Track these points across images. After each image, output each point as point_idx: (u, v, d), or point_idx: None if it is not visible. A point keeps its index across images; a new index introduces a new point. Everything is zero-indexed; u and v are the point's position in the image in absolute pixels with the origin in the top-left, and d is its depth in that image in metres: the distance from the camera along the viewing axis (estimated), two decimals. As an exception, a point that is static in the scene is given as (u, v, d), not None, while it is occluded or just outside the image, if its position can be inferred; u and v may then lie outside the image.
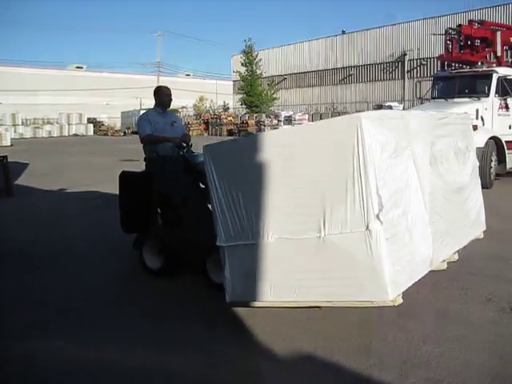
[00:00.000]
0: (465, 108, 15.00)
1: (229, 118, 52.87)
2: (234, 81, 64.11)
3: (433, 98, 17.26)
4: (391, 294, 4.29)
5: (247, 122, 48.06)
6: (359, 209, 4.33)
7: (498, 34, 16.63)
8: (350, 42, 51.56)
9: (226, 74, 73.16)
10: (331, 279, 4.51)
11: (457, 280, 6.39)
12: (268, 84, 55.30)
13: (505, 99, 15.52)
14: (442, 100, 16.33)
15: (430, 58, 42.26)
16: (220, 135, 48.64)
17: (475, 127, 14.33)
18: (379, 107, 36.93)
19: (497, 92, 15.39)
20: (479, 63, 16.46)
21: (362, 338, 4.95)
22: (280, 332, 5.09)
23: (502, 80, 15.46)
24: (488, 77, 15.54)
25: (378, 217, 4.27)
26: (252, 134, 36.61)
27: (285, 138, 4.92)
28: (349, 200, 4.37)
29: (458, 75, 16.67)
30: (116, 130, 62.74)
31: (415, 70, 45.22)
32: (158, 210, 7.02)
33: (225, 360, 4.60)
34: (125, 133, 59.99)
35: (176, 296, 6.16)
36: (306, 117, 44.97)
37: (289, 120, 44.40)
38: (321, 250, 4.51)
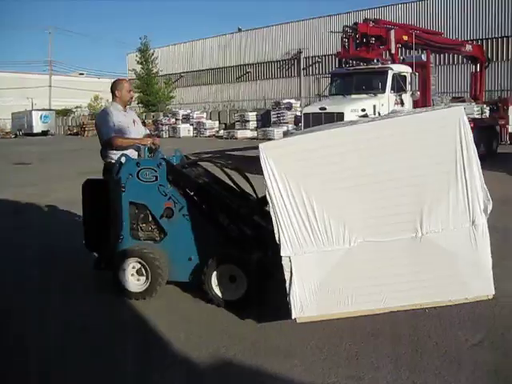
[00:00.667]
0: (363, 104, 15.49)
1: (126, 117, 51.70)
2: (129, 79, 62.93)
3: (331, 94, 17.68)
4: (493, 287, 4.27)
5: (144, 122, 47.30)
6: (463, 204, 4.20)
7: (392, 32, 17.24)
8: (246, 40, 51.85)
9: (122, 72, 71.73)
10: (426, 280, 4.31)
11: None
12: (165, 82, 54.71)
13: (400, 95, 16.16)
14: (340, 96, 16.74)
15: (326, 56, 43.22)
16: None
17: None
18: (277, 104, 37.45)
19: (392, 88, 16.01)
20: (375, 60, 17.04)
21: (282, 339, 4.90)
22: (201, 337, 5.03)
23: (397, 76, 16.08)
24: (384, 74, 16.13)
25: (484, 211, 4.20)
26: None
27: (368, 133, 4.43)
28: (451, 196, 4.21)
29: (354, 72, 17.17)
30: (6, 132, 60.04)
31: (311, 68, 46.10)
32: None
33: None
34: (16, 135, 57.52)
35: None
36: (204, 115, 44.88)
37: (187, 118, 44.18)
38: (416, 250, 4.29)
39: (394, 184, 4.26)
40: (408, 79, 16.40)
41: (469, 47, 22.10)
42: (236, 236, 5.71)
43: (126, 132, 6.54)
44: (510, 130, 25.34)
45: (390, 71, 16.10)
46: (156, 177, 5.83)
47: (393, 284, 4.34)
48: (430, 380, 4.14)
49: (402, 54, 19.76)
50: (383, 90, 16.01)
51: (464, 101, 21.22)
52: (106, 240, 6.07)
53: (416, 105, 16.81)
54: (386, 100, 15.85)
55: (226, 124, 42.85)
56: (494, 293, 4.29)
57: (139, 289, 5.86)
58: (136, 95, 55.45)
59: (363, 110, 15.40)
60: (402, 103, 16.17)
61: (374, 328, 4.95)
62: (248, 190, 6.37)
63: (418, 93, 16.53)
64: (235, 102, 50.67)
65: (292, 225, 4.40)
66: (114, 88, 6.75)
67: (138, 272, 5.88)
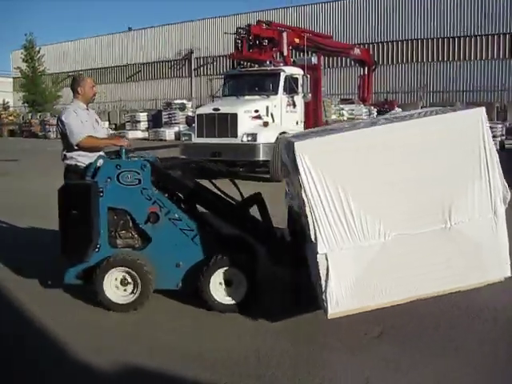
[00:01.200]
0: (256, 105, 15.51)
1: (10, 118, 49.48)
2: (14, 78, 60.37)
3: (224, 95, 17.59)
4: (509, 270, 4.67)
5: (31, 122, 45.39)
6: (486, 196, 4.55)
7: (284, 34, 17.40)
8: (136, 39, 51.02)
9: (5, 70, 68.66)
10: (455, 267, 4.58)
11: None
12: (52, 81, 52.84)
13: (292, 96, 16.29)
14: (234, 97, 16.68)
15: (218, 57, 43.23)
16: (1, 136, 45.31)
17: (266, 124, 14.86)
18: (168, 105, 37.01)
19: (284, 90, 16.10)
20: (267, 62, 17.10)
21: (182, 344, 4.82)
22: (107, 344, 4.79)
23: (289, 78, 16.21)
24: (276, 75, 16.21)
25: (504, 202, 4.59)
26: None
27: (400, 133, 4.63)
28: (476, 189, 4.53)
29: (247, 73, 17.17)
30: None
31: (203, 68, 45.99)
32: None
33: None
34: None
35: None
36: (94, 115, 43.60)
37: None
38: (446, 240, 4.54)
39: (425, 180, 4.52)
40: (300, 81, 16.58)
41: (357, 51, 22.74)
42: (229, 239, 5.64)
43: (92, 132, 6.14)
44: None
45: (282, 73, 16.20)
46: (139, 180, 5.47)
47: (426, 273, 4.57)
48: (330, 374, 4.24)
49: (293, 57, 19.98)
50: (276, 92, 16.08)
51: (353, 102, 21.84)
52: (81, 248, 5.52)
53: (307, 106, 17.05)
54: (278, 101, 15.93)
55: (116, 125, 41.89)
56: (510, 275, 4.68)
57: (126, 300, 5.49)
58: (21, 94, 53.38)
59: (256, 111, 15.41)
60: (294, 105, 16.32)
61: (276, 326, 5.00)
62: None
63: (310, 95, 16.74)
64: (126, 102, 49.73)
65: (329, 222, 4.44)
66: (75, 85, 6.31)
67: (122, 282, 5.50)
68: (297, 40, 17.99)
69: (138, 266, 5.42)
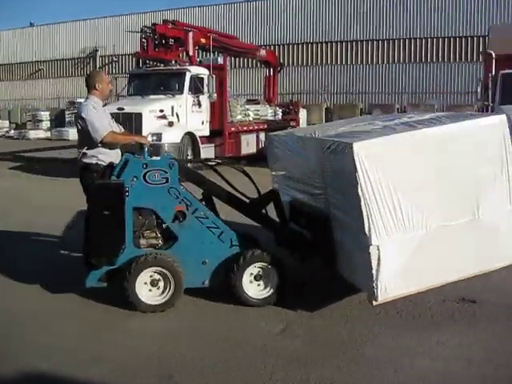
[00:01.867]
0: (161, 105, 15.45)
1: None
2: None
3: (129, 94, 17.41)
4: None
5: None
6: (506, 192, 5.39)
7: (190, 34, 17.39)
8: (39, 35, 49.36)
9: None
10: (482, 252, 5.32)
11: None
12: None
13: (197, 96, 16.35)
14: (139, 97, 16.54)
15: (123, 55, 42.51)
16: None
17: (171, 123, 14.84)
18: (71, 104, 36.11)
19: (190, 89, 16.14)
20: (173, 62, 17.05)
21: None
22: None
23: (195, 78, 16.25)
24: (181, 75, 16.23)
25: None
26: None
27: (443, 136, 5.22)
28: (497, 186, 5.35)
29: (153, 73, 17.10)
30: None
31: (107, 67, 45.10)
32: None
33: None
34: None
35: None
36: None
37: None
38: (476, 229, 5.28)
39: (460, 178, 5.23)
40: (205, 81, 16.62)
41: (263, 52, 22.99)
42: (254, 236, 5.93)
43: (111, 129, 6.06)
44: (301, 132, 26.75)
45: (187, 73, 16.21)
46: (167, 178, 5.48)
47: (459, 258, 5.25)
48: (239, 371, 4.31)
49: (199, 57, 19.99)
50: (181, 92, 16.09)
51: (258, 103, 22.03)
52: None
53: (213, 107, 17.09)
54: (183, 101, 15.95)
55: (16, 124, 40.38)
56: None
57: (158, 301, 5.50)
58: None
59: (161, 110, 15.37)
60: (200, 105, 16.38)
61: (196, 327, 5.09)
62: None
63: (215, 95, 16.80)
64: (28, 101, 48.02)
65: (381, 216, 4.90)
66: (92, 80, 6.16)
67: (153, 283, 5.49)
68: (203, 40, 18.01)
69: (172, 266, 5.46)
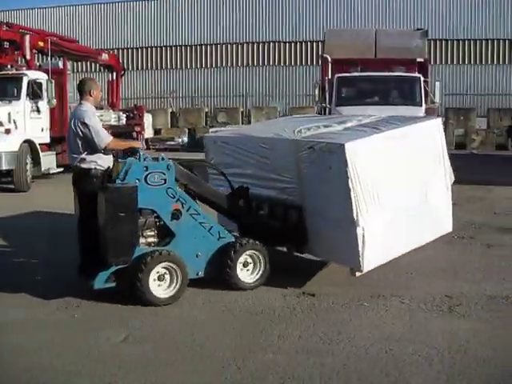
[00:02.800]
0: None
1: None
2: None
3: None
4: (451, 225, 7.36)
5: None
6: (444, 178, 7.01)
7: (27, 37, 16.70)
8: None
9: None
10: (430, 226, 6.96)
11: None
12: None
13: (36, 102, 15.66)
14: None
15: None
16: None
17: (8, 131, 14.16)
18: None
19: (28, 95, 15.43)
20: (9, 66, 16.31)
21: None
22: None
23: (33, 83, 15.57)
24: (18, 80, 15.50)
25: (451, 180, 7.13)
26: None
27: (403, 137, 6.63)
28: (439, 173, 6.96)
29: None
30: None
31: None
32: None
33: None
34: None
35: None
36: None
37: None
38: (425, 209, 6.77)
39: (415, 169, 6.64)
40: (44, 86, 15.94)
41: (105, 56, 22.60)
42: (254, 227, 6.66)
43: None
44: (145, 136, 26.65)
45: (24, 77, 15.50)
46: (165, 180, 5.89)
47: (415, 232, 6.70)
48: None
49: (39, 61, 19.24)
50: (18, 97, 15.34)
51: (102, 108, 21.62)
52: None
53: (53, 112, 16.46)
54: (21, 107, 15.20)
55: None
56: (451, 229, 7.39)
57: (168, 294, 5.89)
58: None
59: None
60: (39, 111, 15.69)
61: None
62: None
63: (55, 100, 16.21)
64: None
65: (365, 204, 5.97)
66: (87, 87, 6.33)
67: (160, 278, 5.84)
68: (41, 43, 17.31)
69: (179, 260, 5.91)
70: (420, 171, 6.70)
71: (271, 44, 36.07)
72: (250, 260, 6.35)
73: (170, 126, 30.55)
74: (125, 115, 22.06)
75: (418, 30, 19.08)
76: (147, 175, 5.83)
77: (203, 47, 36.58)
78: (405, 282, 6.83)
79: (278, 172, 6.87)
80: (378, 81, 15.65)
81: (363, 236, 5.93)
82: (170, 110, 32.26)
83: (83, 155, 6.10)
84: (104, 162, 6.13)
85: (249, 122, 29.56)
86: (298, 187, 6.65)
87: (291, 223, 6.71)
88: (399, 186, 6.42)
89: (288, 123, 8.19)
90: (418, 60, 16.28)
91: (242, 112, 31.68)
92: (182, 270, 5.90)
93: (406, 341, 5.01)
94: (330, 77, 15.68)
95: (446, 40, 35.41)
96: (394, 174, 6.38)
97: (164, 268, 5.84)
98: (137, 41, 36.79)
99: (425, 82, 15.31)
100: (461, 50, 35.68)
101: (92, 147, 6.08)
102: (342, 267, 6.75)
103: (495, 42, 35.38)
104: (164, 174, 5.90)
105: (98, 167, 6.10)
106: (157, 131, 29.42)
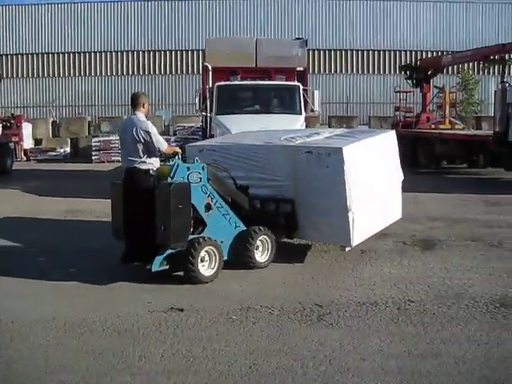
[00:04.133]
0: None
1: None
2: None
3: None
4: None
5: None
6: (398, 173, 9.05)
7: None
8: None
9: None
10: (390, 212, 8.83)
11: None
12: None
13: None
14: None
15: None
16: None
17: None
18: None
19: None
20: None
21: None
22: None
23: None
24: None
25: (399, 179, 9.16)
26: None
27: (376, 144, 8.78)
28: (394, 170, 8.91)
29: None
30: None
31: None
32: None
33: None
34: None
35: None
36: None
37: None
38: (388, 197, 8.69)
39: (383, 168, 8.58)
40: None
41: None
42: (251, 217, 7.73)
43: None
44: (25, 147, 25.57)
45: None
46: (200, 178, 7.08)
47: (384, 215, 8.62)
48: None
49: None
50: None
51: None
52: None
53: None
54: None
55: None
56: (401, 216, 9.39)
57: (210, 273, 7.03)
58: None
59: None
60: None
61: None
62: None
63: None
64: None
65: (354, 195, 7.51)
66: (142, 100, 7.33)
67: (202, 260, 6.94)
68: None
69: (217, 245, 7.13)
70: (386, 169, 8.72)
71: (156, 53, 35.71)
72: (259, 244, 7.61)
73: (51, 136, 29.27)
74: (0, 125, 21.00)
75: (297, 39, 19.26)
76: (189, 174, 7.01)
77: (82, 55, 35.66)
78: (276, 292, 6.76)
79: (270, 173, 8.37)
80: (258, 89, 15.66)
81: (353, 220, 7.54)
82: (52, 120, 30.96)
83: (144, 158, 7.10)
84: (156, 163, 7.23)
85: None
86: (291, 184, 8.16)
87: (284, 214, 8.14)
88: (374, 181, 8.16)
89: (265, 135, 9.69)
90: (298, 69, 16.47)
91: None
92: (219, 253, 7.10)
93: (271, 354, 4.91)
94: (210, 85, 15.52)
95: (330, 50, 36.49)
96: (371, 172, 8.13)
97: (205, 252, 6.96)
98: (14, 47, 35.23)
99: (304, 90, 15.47)
100: (343, 59, 36.85)
101: (151, 151, 7.13)
102: (213, 282, 6.96)
103: (375, 52, 36.81)
104: (200, 173, 7.09)
105: (153, 168, 7.16)
106: (38, 141, 28.26)
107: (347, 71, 37.07)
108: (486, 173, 19.11)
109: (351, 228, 7.54)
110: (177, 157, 7.20)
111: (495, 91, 19.44)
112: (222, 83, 15.07)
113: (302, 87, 15.33)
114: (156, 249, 6.81)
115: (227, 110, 14.59)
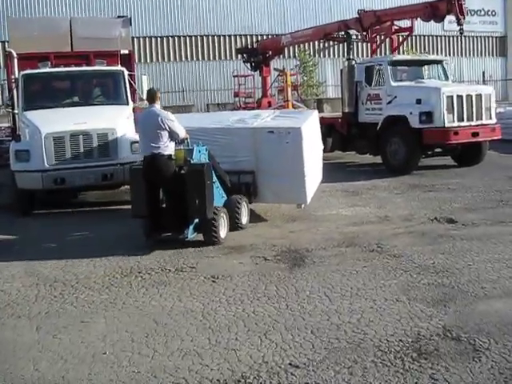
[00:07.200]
0: None
1: None
2: None
3: None
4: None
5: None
6: (320, 144, 11.20)
7: None
8: None
9: None
10: (318, 177, 10.66)
11: None
12: None
13: None
14: None
15: None
16: None
17: None
18: None
19: None
20: None
21: None
22: None
23: None
24: None
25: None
26: None
27: (314, 122, 10.72)
28: (319, 143, 10.99)
29: None
30: None
31: None
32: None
33: None
34: None
35: None
36: None
37: None
38: (318, 166, 10.66)
39: (315, 142, 10.48)
40: None
41: None
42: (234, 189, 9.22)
43: None
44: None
45: None
46: (205, 158, 8.36)
47: (316, 180, 10.34)
48: None
49: None
50: None
51: None
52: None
53: None
54: None
55: None
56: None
57: (224, 234, 8.29)
58: None
59: None
60: None
61: None
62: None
63: None
64: None
65: (307, 163, 9.37)
66: (156, 94, 8.35)
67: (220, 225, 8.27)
68: None
69: (227, 212, 8.53)
70: (316, 142, 10.44)
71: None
72: (243, 208, 9.08)
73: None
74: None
75: (119, 17, 16.73)
76: (200, 156, 8.25)
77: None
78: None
79: (233, 151, 9.50)
80: (74, 78, 12.98)
81: (306, 182, 9.24)
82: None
83: (167, 143, 7.97)
84: (173, 148, 8.10)
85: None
86: (252, 159, 9.47)
87: (246, 184, 9.42)
88: (313, 150, 9.81)
89: (217, 116, 11.76)
90: (122, 52, 14.07)
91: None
92: (227, 218, 8.44)
93: None
94: (16, 76, 12.59)
95: (161, 37, 34.42)
96: (312, 143, 9.80)
97: (222, 218, 8.20)
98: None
99: (130, 76, 13.09)
100: (176, 46, 35.01)
101: (172, 138, 8.04)
102: None
103: (210, 37, 35.24)
104: (205, 154, 8.37)
105: (171, 153, 8.02)
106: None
107: (181, 59, 35.16)
108: (333, 157, 17.65)
109: (306, 189, 9.36)
110: (186, 141, 8.41)
111: (341, 70, 17.95)
112: (28, 71, 12.29)
113: (127, 72, 12.91)
114: (185, 220, 8.01)
115: (36, 104, 11.90)
